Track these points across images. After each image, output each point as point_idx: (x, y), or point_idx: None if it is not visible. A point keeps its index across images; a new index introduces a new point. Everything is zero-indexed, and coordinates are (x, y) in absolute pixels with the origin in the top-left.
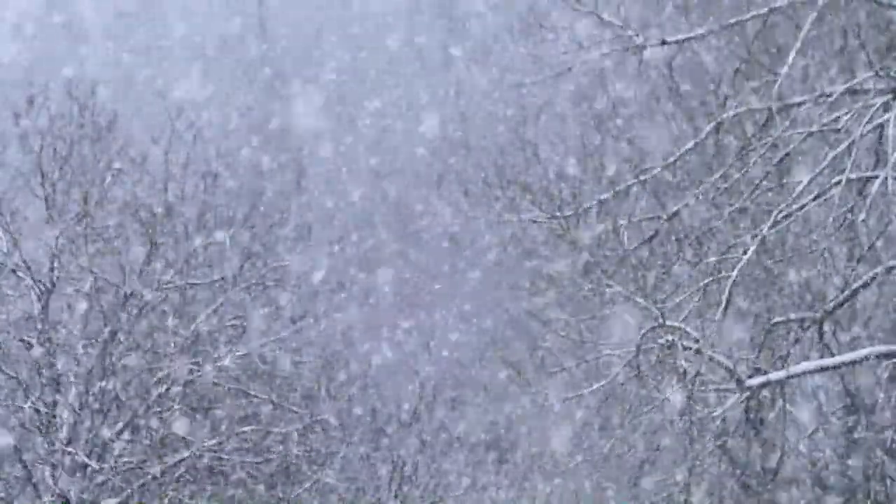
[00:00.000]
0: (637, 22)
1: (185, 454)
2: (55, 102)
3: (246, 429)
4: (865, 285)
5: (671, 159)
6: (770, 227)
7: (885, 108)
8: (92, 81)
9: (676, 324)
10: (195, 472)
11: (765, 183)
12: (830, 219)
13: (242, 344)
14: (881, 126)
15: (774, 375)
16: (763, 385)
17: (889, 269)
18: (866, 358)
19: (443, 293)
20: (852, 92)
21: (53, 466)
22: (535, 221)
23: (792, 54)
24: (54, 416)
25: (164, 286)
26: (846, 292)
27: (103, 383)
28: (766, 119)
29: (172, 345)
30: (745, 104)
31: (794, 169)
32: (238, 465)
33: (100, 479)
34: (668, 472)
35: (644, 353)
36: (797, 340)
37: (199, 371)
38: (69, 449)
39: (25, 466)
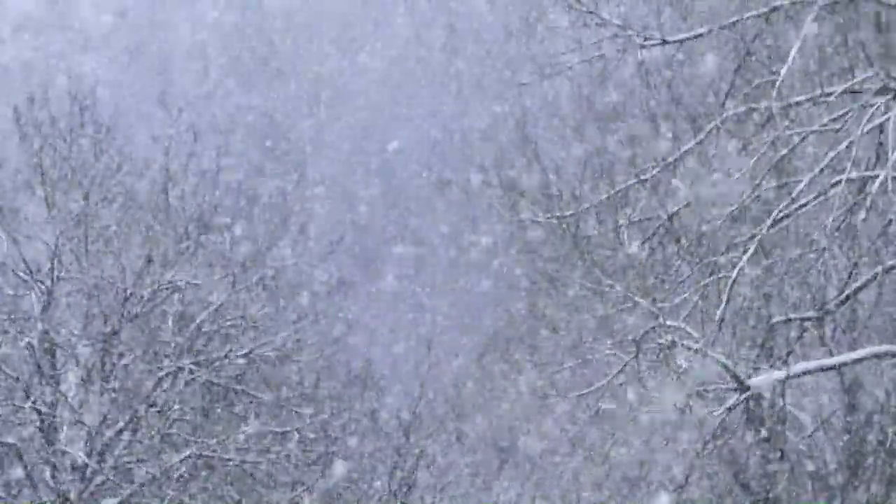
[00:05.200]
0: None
1: (186, 454)
2: (55, 102)
3: (246, 429)
4: (865, 285)
5: (671, 159)
6: (770, 227)
7: (886, 108)
8: (92, 81)
9: (676, 324)
10: (195, 471)
11: (765, 183)
12: (830, 219)
13: (242, 344)
14: (881, 126)
15: (774, 375)
16: (763, 385)
17: (889, 269)
18: (866, 358)
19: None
20: (852, 92)
21: (53, 466)
22: (535, 221)
23: (792, 54)
24: (54, 416)
25: (165, 286)
26: (846, 292)
27: (103, 383)
28: (766, 119)
29: (172, 345)
30: (744, 104)
31: (793, 169)
32: (238, 464)
33: (100, 479)
34: (667, 473)
35: (644, 353)
36: (797, 340)
37: (199, 371)
38: (69, 449)
39: (25, 466)
